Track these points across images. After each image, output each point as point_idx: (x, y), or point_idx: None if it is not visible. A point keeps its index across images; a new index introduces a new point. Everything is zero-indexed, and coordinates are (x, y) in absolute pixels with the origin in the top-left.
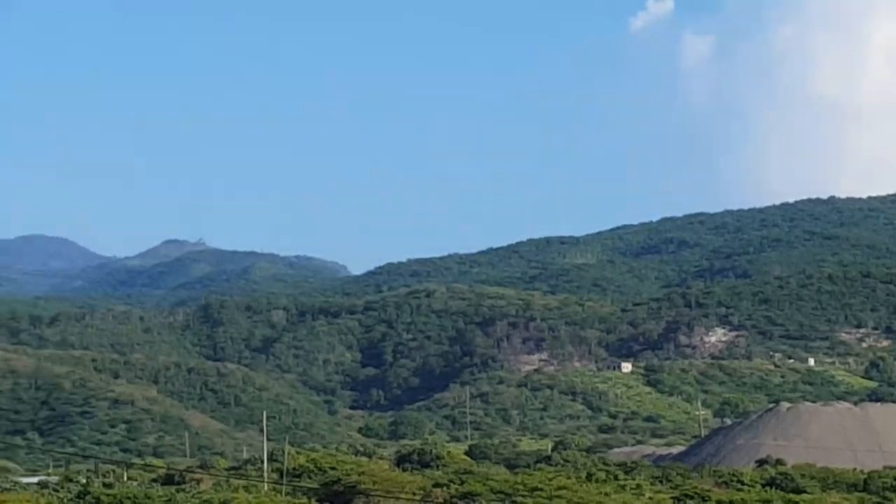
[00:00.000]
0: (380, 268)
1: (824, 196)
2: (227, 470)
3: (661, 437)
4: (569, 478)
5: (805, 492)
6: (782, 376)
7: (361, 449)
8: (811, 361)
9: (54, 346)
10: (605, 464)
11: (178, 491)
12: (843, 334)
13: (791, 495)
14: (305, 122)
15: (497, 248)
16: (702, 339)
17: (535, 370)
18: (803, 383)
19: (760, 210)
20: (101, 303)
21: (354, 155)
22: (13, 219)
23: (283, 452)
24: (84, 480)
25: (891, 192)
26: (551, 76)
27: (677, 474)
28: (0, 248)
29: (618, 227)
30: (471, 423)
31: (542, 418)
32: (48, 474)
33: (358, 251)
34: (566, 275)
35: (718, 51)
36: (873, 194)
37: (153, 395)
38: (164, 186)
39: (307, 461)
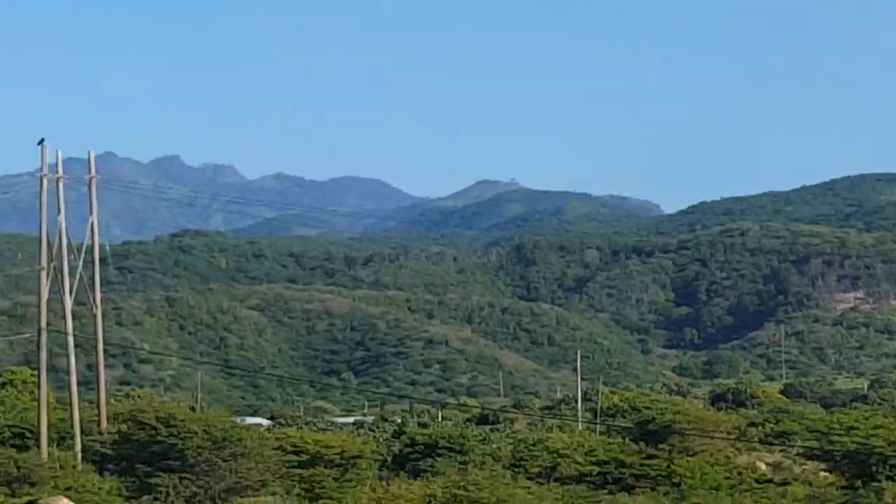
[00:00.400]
0: (693, 207)
1: None
2: (540, 409)
3: None
4: (885, 417)
5: None
6: None
7: (675, 388)
8: None
9: (368, 287)
10: None
11: (492, 430)
12: None
13: None
14: (613, 62)
15: (811, 186)
16: None
17: (851, 308)
18: None
19: None
20: (414, 244)
21: (669, 93)
22: (327, 161)
23: (597, 392)
24: (399, 420)
25: None
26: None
27: None
28: (314, 190)
29: None
30: (785, 361)
31: (857, 357)
32: (363, 414)
33: (671, 190)
34: (881, 212)
35: None
36: None
37: (467, 336)
38: (477, 128)
39: (621, 401)
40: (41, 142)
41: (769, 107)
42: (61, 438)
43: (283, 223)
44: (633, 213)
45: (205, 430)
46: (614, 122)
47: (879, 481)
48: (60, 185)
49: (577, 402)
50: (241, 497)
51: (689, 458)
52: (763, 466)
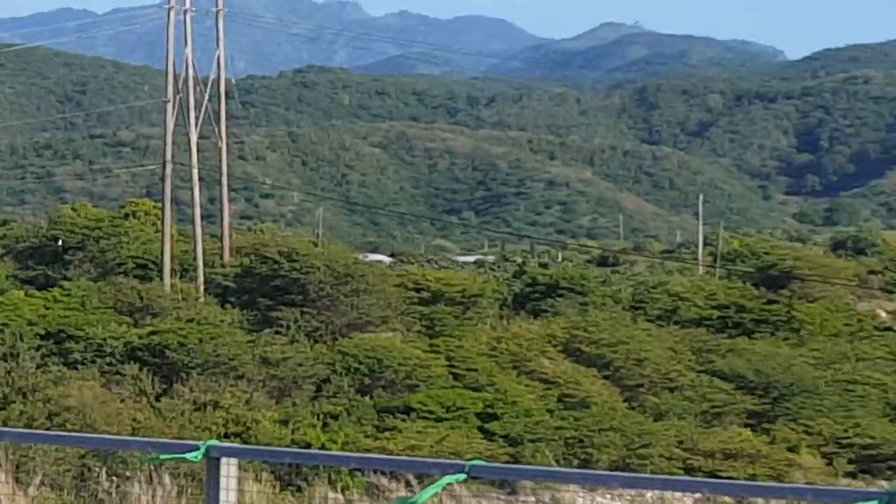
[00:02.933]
0: (817, 53)
1: None
2: (660, 253)
3: None
4: None
5: None
6: None
7: (795, 234)
8: None
9: (491, 126)
10: None
11: (612, 272)
12: None
13: None
14: None
15: None
16: None
17: None
18: None
19: None
20: (537, 84)
21: None
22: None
23: (717, 237)
24: (520, 260)
25: None
26: None
27: None
28: (438, 28)
29: None
30: None
31: None
32: (484, 254)
33: (795, 36)
34: None
35: None
36: None
37: (588, 177)
38: None
39: (741, 246)
40: None
41: None
42: (184, 270)
43: (406, 61)
44: (757, 59)
45: (327, 266)
46: None
47: None
48: (188, 18)
49: (696, 246)
50: (362, 332)
51: (809, 304)
52: (883, 314)
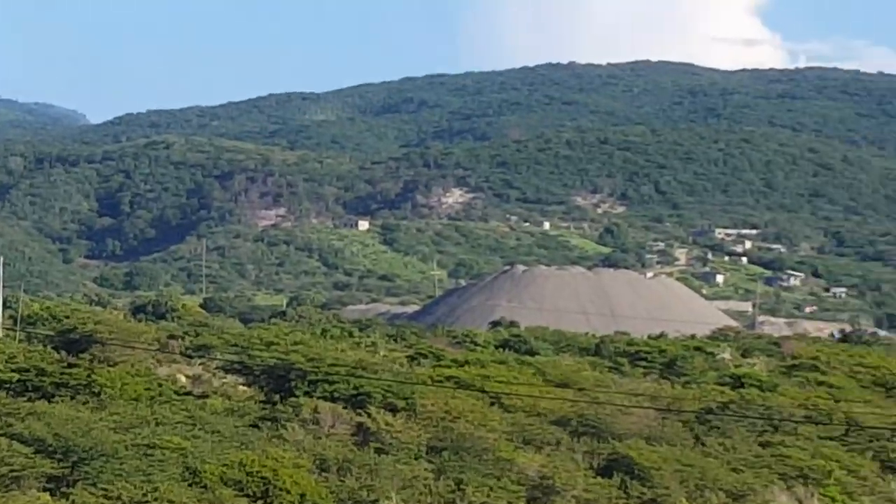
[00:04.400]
0: (119, 118)
1: (564, 61)
2: None
3: (396, 296)
4: (304, 333)
5: (538, 354)
6: (517, 239)
7: (96, 298)
8: (546, 225)
9: None
10: (339, 321)
11: None
12: (579, 199)
13: (525, 357)
14: None
15: (237, 102)
16: (439, 199)
17: (272, 225)
18: (538, 247)
19: (500, 73)
20: None
21: (97, 1)
22: None
23: (17, 300)
24: None
25: (630, 59)
26: None
27: (411, 333)
28: None
29: (359, 85)
30: (206, 276)
31: (277, 274)
32: None
33: (97, 100)
34: (306, 131)
35: None
36: (613, 61)
37: None
38: None
39: (41, 309)
40: None
41: (194, 21)
42: None
43: None
44: (59, 122)
45: None
46: (40, 27)
47: (297, 396)
48: None
49: None
50: None
51: (109, 369)
52: (183, 379)
